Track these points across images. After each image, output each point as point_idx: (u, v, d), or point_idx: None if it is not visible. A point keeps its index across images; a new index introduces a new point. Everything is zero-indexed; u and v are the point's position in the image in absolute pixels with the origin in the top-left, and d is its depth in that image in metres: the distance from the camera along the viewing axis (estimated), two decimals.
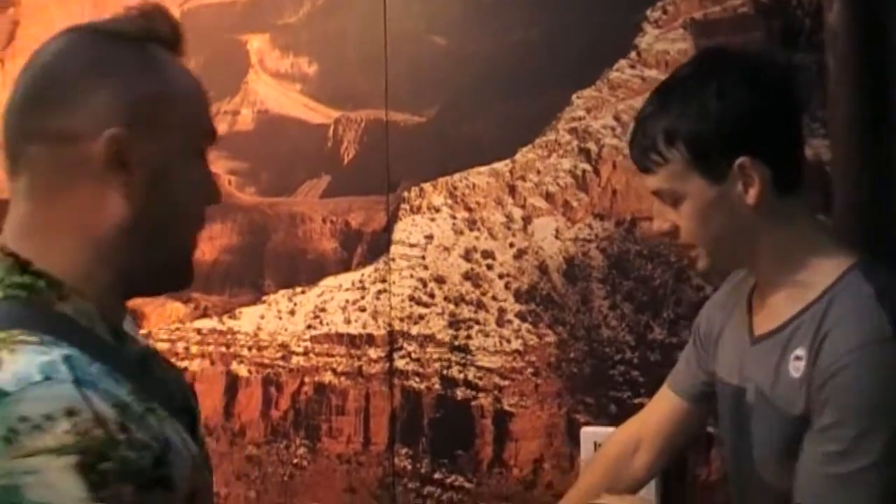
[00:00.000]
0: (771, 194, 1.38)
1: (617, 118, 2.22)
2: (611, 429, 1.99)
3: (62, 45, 1.01)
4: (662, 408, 1.73)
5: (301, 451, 2.50)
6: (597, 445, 2.09)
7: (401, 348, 2.39)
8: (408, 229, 2.38)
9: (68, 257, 0.95)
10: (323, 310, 2.47)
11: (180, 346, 2.58)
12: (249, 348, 2.55)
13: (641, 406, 1.97)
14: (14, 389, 0.82)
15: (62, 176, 0.95)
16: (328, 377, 2.46)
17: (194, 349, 2.60)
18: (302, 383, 2.50)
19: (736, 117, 1.37)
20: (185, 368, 2.57)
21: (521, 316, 2.28)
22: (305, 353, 2.49)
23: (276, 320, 2.51)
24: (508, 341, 2.29)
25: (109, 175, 0.95)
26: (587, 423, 2.22)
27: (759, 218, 1.39)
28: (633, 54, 2.20)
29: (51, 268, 0.94)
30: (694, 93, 1.39)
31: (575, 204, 2.24)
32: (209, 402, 2.56)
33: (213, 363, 2.58)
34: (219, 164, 2.41)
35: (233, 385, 2.57)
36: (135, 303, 1.13)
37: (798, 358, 1.35)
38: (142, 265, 0.99)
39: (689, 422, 1.73)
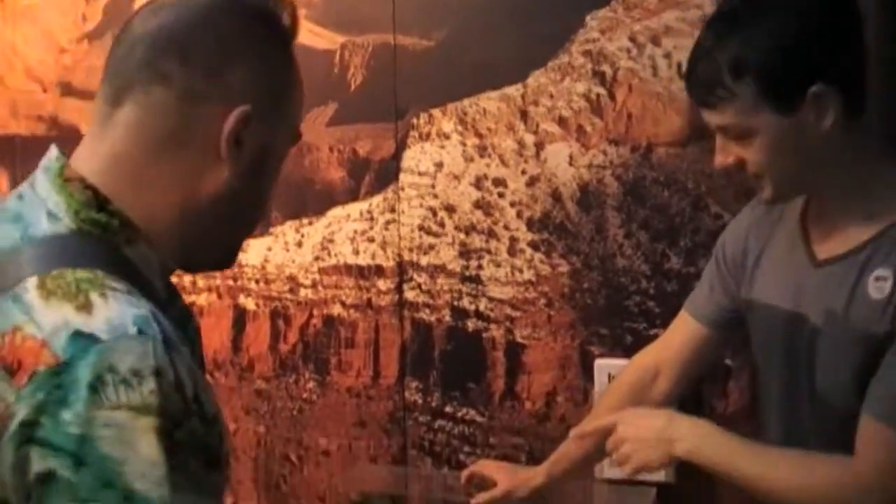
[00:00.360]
0: (842, 121, 1.35)
1: (633, 39, 2.14)
2: (625, 360, 1.96)
3: (208, 1, 0.98)
4: (682, 334, 1.70)
5: (310, 385, 2.47)
6: (611, 377, 2.08)
7: (410, 279, 2.34)
8: (417, 157, 2.32)
9: (153, 208, 0.94)
10: (331, 241, 2.41)
11: (187, 279, 2.53)
12: (257, 281, 2.50)
13: (657, 337, 1.95)
14: (107, 338, 0.81)
15: (179, 130, 0.94)
16: (337, 310, 2.42)
17: (201, 283, 2.55)
18: (310, 316, 2.45)
19: (805, 44, 1.33)
20: (193, 303, 2.54)
21: (534, 245, 2.22)
22: (313, 286, 2.44)
23: (283, 252, 2.46)
24: (521, 271, 2.23)
25: (224, 147, 0.95)
26: (601, 355, 2.18)
27: (830, 146, 1.36)
28: None
29: (129, 210, 0.93)
30: (757, 23, 1.34)
31: (589, 129, 2.17)
32: (217, 337, 2.54)
33: (220, 297, 2.54)
34: None
35: (240, 319, 2.53)
36: None
37: (881, 279, 1.35)
38: (209, 240, 0.99)
39: (709, 349, 1.69)
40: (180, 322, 0.97)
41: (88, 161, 0.94)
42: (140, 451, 0.78)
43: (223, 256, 1.05)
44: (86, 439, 0.78)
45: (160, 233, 0.94)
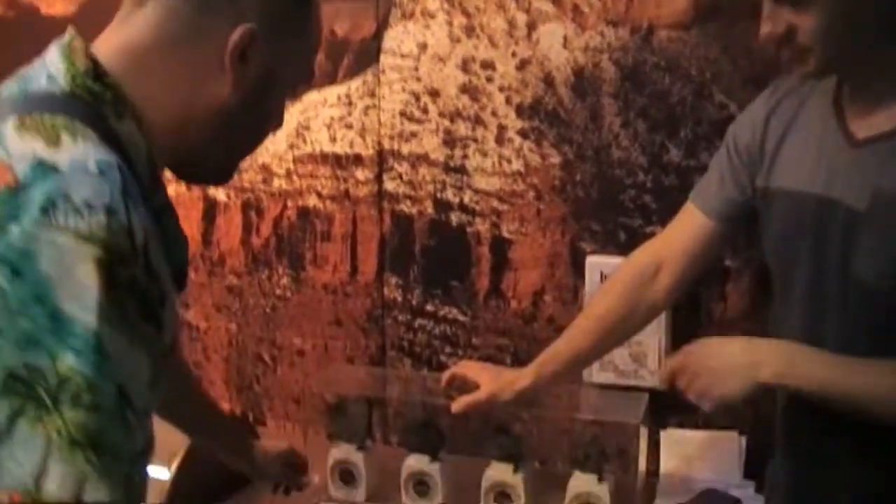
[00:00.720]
0: None
1: None
2: (619, 258, 1.89)
3: None
4: (688, 228, 1.62)
5: (284, 280, 2.38)
6: (603, 276, 2.02)
7: (391, 169, 2.22)
8: (399, 37, 2.18)
9: (153, 100, 0.99)
10: (306, 128, 2.29)
11: None
12: None
13: (653, 234, 1.89)
14: (67, 170, 0.85)
15: (191, 36, 1.00)
16: (312, 201, 2.31)
17: (168, 173, 2.41)
18: (284, 208, 2.35)
19: None
20: None
21: (524, 133, 2.10)
22: (288, 175, 2.33)
23: None
24: (509, 161, 2.12)
25: (228, 61, 0.99)
26: (593, 252, 2.08)
27: (889, 11, 1.28)
28: None
29: (129, 93, 0.97)
30: None
31: (585, 9, 2.03)
32: (186, 230, 2.32)
33: (189, 187, 2.42)
34: None
35: (211, 210, 2.43)
36: None
37: None
38: (202, 151, 1.04)
39: (716, 245, 1.63)
40: (158, 214, 0.99)
41: (102, 47, 0.99)
42: (76, 275, 0.81)
43: (216, 172, 1.10)
44: (27, 254, 0.82)
45: (155, 125, 0.98)
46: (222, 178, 1.12)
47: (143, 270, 0.85)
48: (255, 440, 1.82)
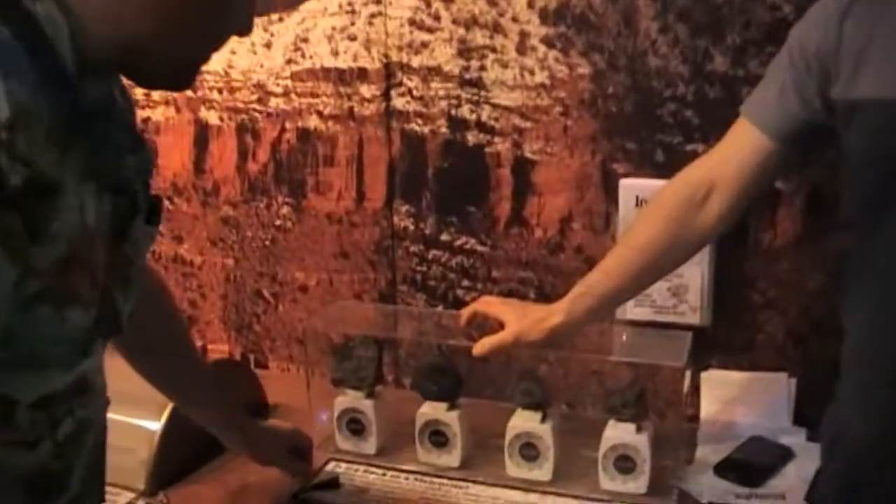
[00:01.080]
0: None
1: None
2: (657, 181, 1.72)
3: None
4: (742, 146, 1.47)
5: (284, 210, 2.21)
6: (639, 201, 1.86)
7: (400, 84, 2.04)
8: None
9: None
10: (305, 40, 2.10)
11: (139, 92, 2.21)
12: (220, 91, 2.21)
13: (695, 153, 1.74)
14: None
15: None
16: (313, 121, 2.13)
17: (156, 95, 2.27)
18: (283, 130, 2.16)
19: None
20: (148, 118, 2.26)
21: (548, 41, 1.91)
22: (286, 94, 2.14)
23: (249, 55, 2.15)
24: (532, 73, 1.93)
25: None
26: (627, 175, 1.91)
27: None
28: None
29: None
30: None
31: None
32: (176, 157, 2.30)
33: (178, 110, 2.25)
34: None
35: (202, 135, 2.25)
36: None
37: None
38: (151, 45, 0.95)
39: (774, 166, 1.48)
40: (93, 111, 0.92)
41: None
42: None
43: (170, 74, 1.00)
44: None
45: (88, 8, 0.89)
46: (178, 81, 1.03)
47: (4, 152, 0.77)
48: (255, 420, 1.66)
